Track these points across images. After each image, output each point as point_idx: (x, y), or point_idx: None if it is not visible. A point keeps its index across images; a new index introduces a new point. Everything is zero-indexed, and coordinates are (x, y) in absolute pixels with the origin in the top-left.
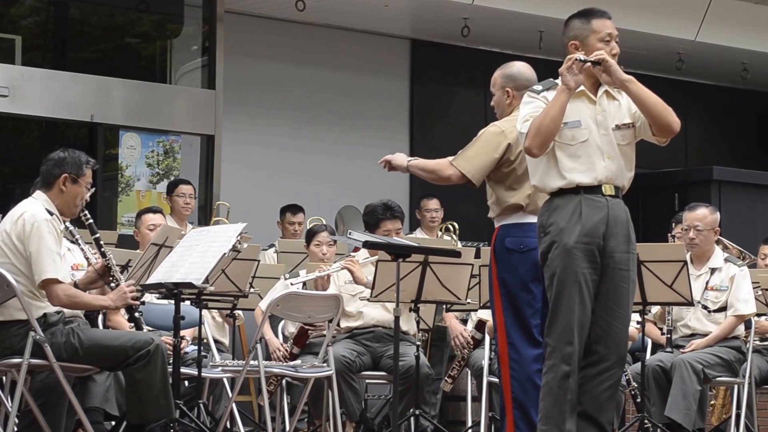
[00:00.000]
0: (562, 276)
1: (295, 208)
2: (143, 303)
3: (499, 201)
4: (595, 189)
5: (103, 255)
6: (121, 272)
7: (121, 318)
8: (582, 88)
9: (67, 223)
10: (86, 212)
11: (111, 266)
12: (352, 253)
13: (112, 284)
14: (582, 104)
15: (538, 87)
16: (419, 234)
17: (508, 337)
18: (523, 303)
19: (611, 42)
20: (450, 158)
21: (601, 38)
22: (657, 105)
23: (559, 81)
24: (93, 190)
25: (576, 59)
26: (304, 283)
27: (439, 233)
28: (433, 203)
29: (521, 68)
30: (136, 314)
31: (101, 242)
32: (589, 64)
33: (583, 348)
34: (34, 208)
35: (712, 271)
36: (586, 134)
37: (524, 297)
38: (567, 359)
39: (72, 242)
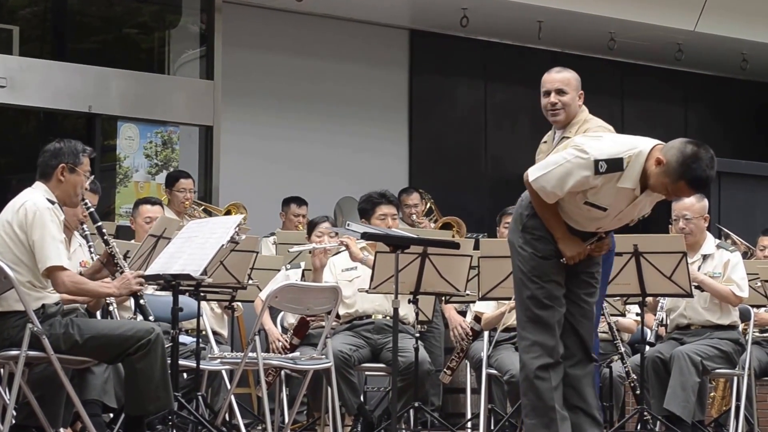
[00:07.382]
0: (538, 273)
1: (299, 201)
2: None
3: None
4: None
5: (106, 243)
6: None
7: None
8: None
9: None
10: (87, 201)
11: (115, 254)
12: None
13: (117, 272)
14: (622, 195)
15: (604, 164)
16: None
17: None
18: None
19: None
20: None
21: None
22: None
23: (625, 168)
24: (92, 177)
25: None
26: (303, 274)
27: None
28: (413, 198)
29: None
30: (141, 301)
31: (104, 230)
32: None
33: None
34: (35, 197)
35: (705, 257)
36: (602, 217)
37: None
38: (550, 351)
39: (83, 237)
